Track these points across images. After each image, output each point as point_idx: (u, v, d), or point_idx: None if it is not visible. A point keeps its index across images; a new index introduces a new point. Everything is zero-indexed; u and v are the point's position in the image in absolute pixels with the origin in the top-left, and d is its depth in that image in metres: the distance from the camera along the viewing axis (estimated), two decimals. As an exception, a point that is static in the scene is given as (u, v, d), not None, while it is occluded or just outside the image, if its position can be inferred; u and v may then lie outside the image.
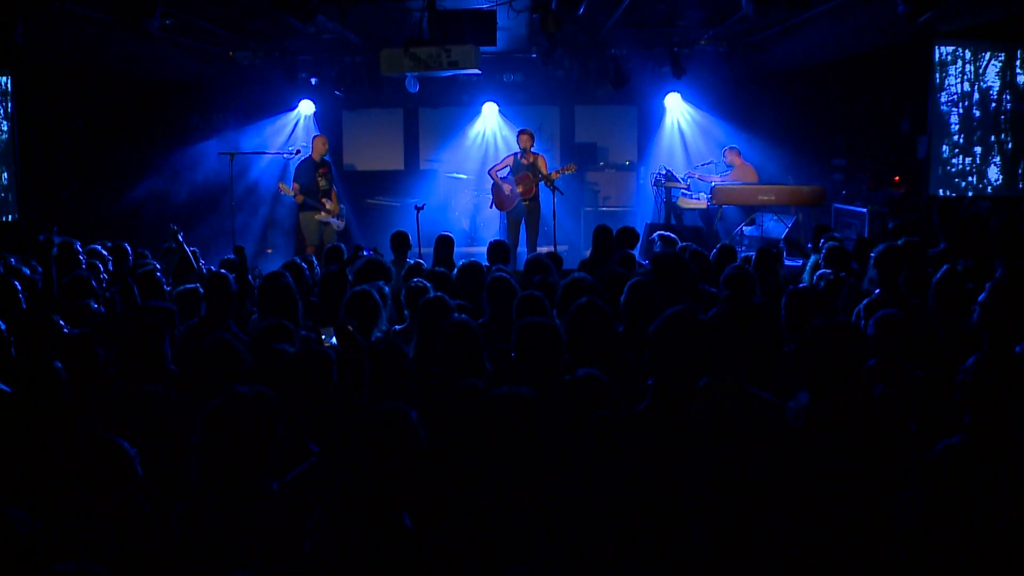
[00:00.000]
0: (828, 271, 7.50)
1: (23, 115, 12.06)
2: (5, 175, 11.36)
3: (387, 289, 7.17)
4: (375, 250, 9.30)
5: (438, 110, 15.82)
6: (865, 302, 5.72)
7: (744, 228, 12.38)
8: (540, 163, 11.77)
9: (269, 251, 14.35)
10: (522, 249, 11.95)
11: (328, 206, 11.98)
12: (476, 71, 9.37)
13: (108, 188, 14.39)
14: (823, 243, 8.70)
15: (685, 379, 3.57)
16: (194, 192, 14.59)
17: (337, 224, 12.13)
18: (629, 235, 9.10)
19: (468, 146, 15.36)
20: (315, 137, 12.34)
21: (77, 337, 5.23)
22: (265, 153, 13.45)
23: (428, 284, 7.04)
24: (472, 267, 8.14)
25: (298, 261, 8.62)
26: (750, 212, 12.23)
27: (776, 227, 12.26)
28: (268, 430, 3.38)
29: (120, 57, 12.57)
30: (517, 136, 11.94)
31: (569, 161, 14.98)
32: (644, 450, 3.49)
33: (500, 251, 9.02)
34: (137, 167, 15.01)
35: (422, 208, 11.33)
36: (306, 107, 14.91)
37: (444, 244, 9.50)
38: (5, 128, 11.28)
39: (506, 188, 11.85)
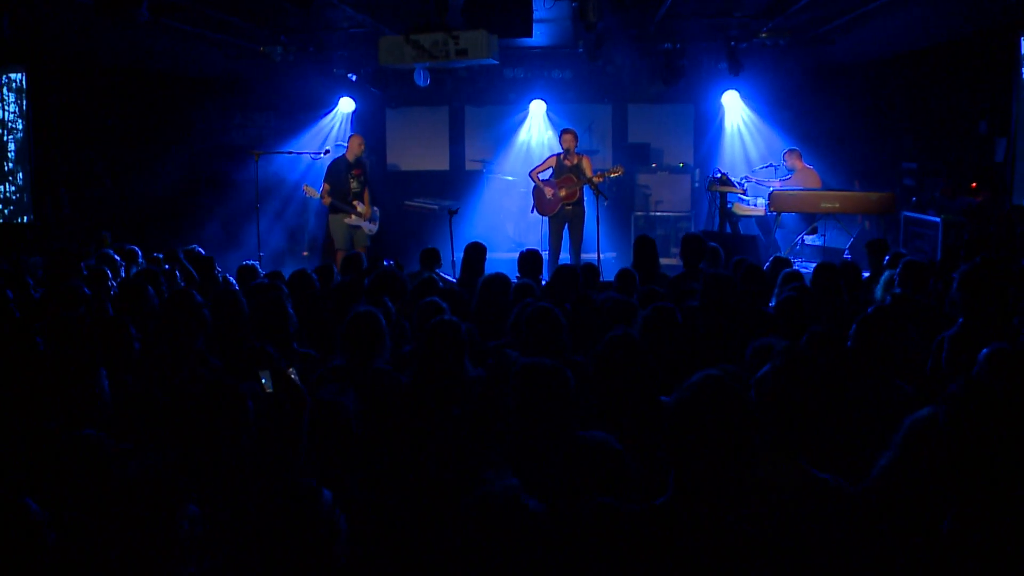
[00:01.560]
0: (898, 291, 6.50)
1: (47, 113, 11.56)
2: (20, 175, 10.78)
3: (392, 307, 6.40)
4: (396, 262, 8.50)
5: (484, 108, 15.02)
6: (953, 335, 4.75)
7: (805, 238, 11.31)
8: (584, 165, 10.85)
9: (305, 254, 13.68)
10: (565, 256, 11.06)
11: (360, 209, 11.20)
12: (491, 60, 8.52)
13: (143, 187, 13.85)
14: (888, 258, 7.69)
15: (719, 467, 2.62)
16: (233, 192, 13.95)
17: (369, 228, 11.36)
18: (696, 245, 8.12)
19: (515, 146, 14.50)
20: (351, 136, 11.57)
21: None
22: (292, 153, 12.73)
23: (444, 304, 6.22)
24: (496, 281, 7.32)
25: (309, 271, 7.90)
26: (812, 220, 11.14)
27: (841, 237, 11.18)
28: (163, 522, 2.62)
29: (151, 52, 11.98)
30: (560, 136, 11.00)
31: (620, 162, 14.08)
32: (664, 559, 2.57)
33: (531, 262, 8.15)
34: (174, 166, 14.47)
35: (456, 212, 10.53)
36: (346, 105, 14.21)
37: (474, 253, 8.65)
38: (20, 127, 10.70)
39: (547, 191, 10.96)
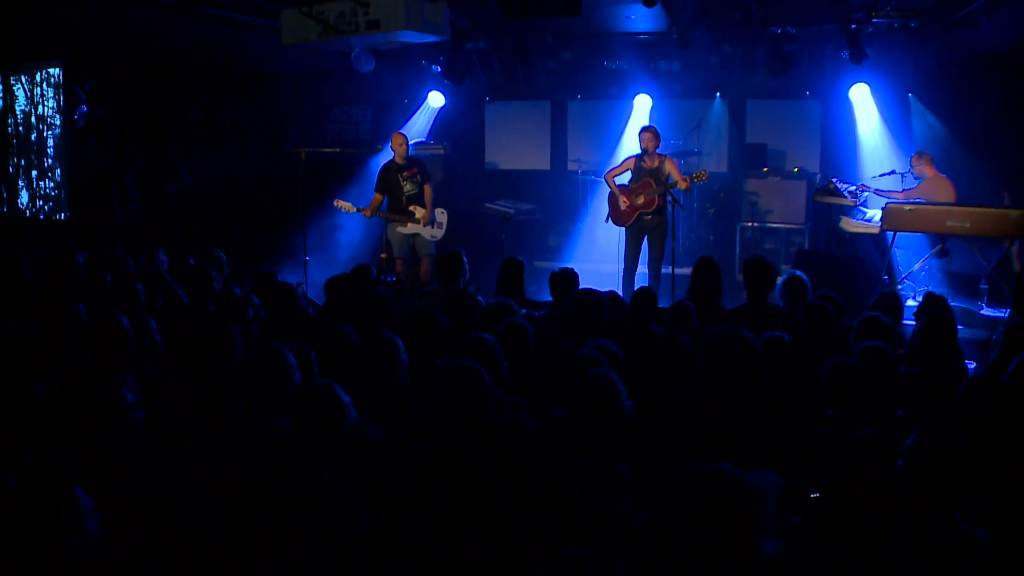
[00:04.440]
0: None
1: (108, 109, 10.82)
2: (59, 171, 10.02)
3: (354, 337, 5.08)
4: (399, 277, 7.11)
5: (586, 103, 13.39)
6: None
7: (933, 262, 9.08)
8: (669, 167, 9.10)
9: (383, 256, 12.45)
10: (643, 270, 9.37)
11: (417, 215, 9.79)
12: (421, 36, 6.94)
13: (225, 185, 13.02)
14: None
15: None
16: (324, 190, 12.89)
17: (431, 234, 9.94)
18: (760, 272, 6.39)
19: (620, 145, 12.75)
20: (392, 135, 10.03)
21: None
22: (339, 151, 11.51)
23: (401, 344, 4.82)
24: (499, 311, 5.88)
25: (293, 285, 6.70)
26: (941, 241, 8.87)
27: (975, 262, 8.92)
28: None
29: (221, 47, 11.08)
30: (639, 135, 9.26)
31: (735, 166, 12.26)
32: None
33: (562, 285, 6.64)
34: (258, 162, 13.61)
35: (509, 219, 9.05)
36: (435, 99, 12.85)
37: (510, 270, 7.15)
38: (58, 122, 9.95)
39: (623, 198, 9.27)
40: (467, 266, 7.12)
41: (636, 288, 6.77)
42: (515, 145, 13.92)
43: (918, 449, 3.16)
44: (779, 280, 6.65)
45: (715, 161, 12.56)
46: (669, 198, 8.84)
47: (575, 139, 13.56)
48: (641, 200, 9.14)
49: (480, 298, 7.06)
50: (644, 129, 9.18)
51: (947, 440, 3.13)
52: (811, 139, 12.41)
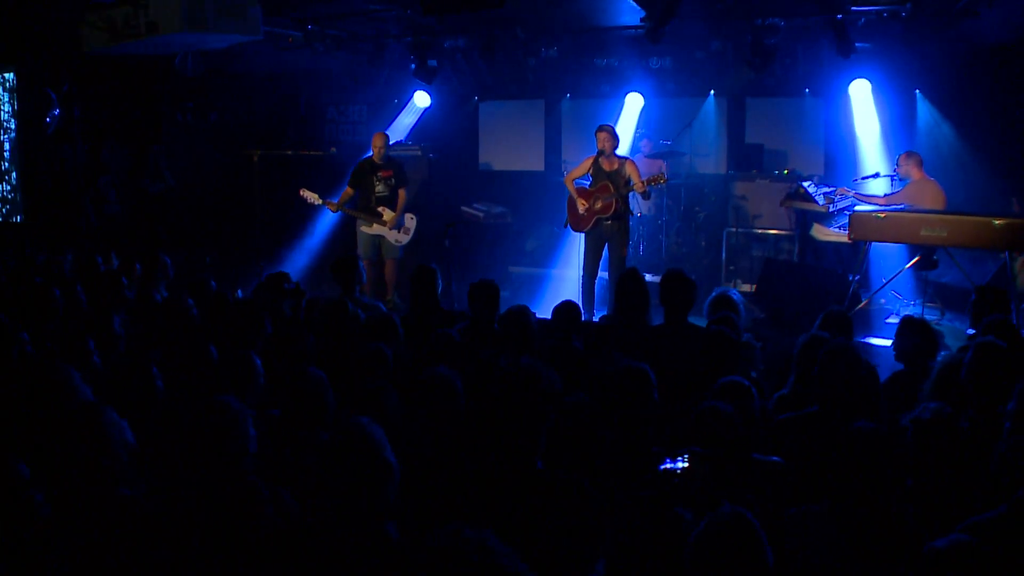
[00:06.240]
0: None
1: (86, 113, 10.33)
2: (14, 175, 9.57)
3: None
4: (297, 285, 6.37)
5: (577, 102, 12.48)
6: None
7: (920, 273, 7.92)
8: (628, 169, 8.18)
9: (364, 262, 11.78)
10: (605, 275, 8.50)
11: (385, 216, 9.16)
12: (224, 38, 6.16)
13: (210, 188, 12.41)
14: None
15: None
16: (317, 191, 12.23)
17: (395, 238, 9.29)
18: (677, 288, 5.45)
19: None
20: (375, 134, 9.55)
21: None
22: (290, 153, 10.84)
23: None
24: (376, 326, 5.14)
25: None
26: (922, 251, 7.69)
27: (974, 271, 7.78)
28: None
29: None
30: (595, 134, 8.35)
31: (731, 168, 11.25)
32: None
33: (484, 297, 5.83)
34: (248, 165, 12.99)
35: (453, 225, 8.23)
36: (420, 99, 12.06)
37: (422, 281, 6.33)
38: (14, 126, 9.51)
39: (580, 202, 8.38)
40: (363, 272, 6.50)
41: (560, 302, 5.89)
42: (510, 145, 13.07)
43: (705, 540, 2.29)
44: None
45: (713, 163, 11.58)
46: (631, 203, 7.97)
47: (567, 139, 12.67)
48: (599, 205, 8.24)
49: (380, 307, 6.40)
50: (599, 128, 8.28)
51: (737, 531, 2.26)
52: (813, 139, 11.28)
